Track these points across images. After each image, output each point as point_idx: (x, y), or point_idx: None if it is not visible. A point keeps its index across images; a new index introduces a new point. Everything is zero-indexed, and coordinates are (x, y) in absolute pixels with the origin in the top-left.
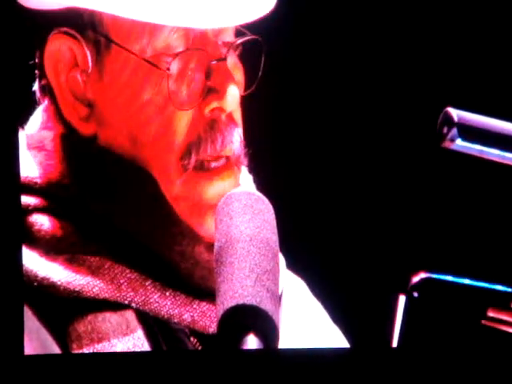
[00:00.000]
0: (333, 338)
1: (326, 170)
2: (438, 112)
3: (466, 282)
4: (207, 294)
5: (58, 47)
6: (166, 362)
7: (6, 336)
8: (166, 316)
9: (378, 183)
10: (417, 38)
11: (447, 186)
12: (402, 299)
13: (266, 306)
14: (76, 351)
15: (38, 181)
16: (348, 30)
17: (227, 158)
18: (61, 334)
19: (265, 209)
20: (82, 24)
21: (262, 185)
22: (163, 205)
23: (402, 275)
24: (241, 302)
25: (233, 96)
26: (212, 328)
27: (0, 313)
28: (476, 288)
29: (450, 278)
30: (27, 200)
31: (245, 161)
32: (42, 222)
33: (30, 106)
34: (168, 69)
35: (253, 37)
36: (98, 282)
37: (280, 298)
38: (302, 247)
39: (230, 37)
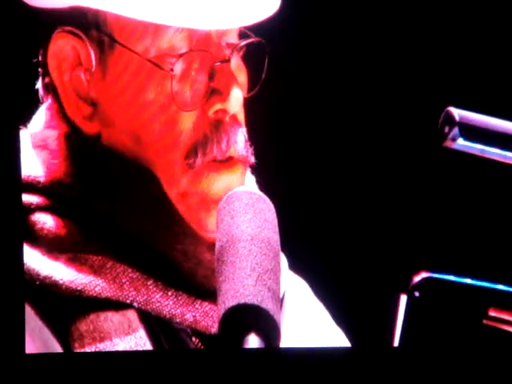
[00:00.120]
0: (335, 339)
1: (328, 170)
2: (439, 111)
3: (468, 281)
4: (210, 293)
5: (62, 46)
6: (166, 361)
7: (7, 335)
8: (167, 316)
9: (380, 183)
10: (419, 39)
11: (449, 185)
12: (403, 299)
13: (267, 305)
14: (78, 350)
15: (41, 179)
16: (350, 32)
17: (232, 158)
18: (63, 333)
19: (266, 208)
20: (86, 23)
21: (264, 185)
22: (166, 204)
23: (404, 275)
24: (242, 301)
25: (236, 98)
26: (214, 328)
27: (1, 311)
28: (477, 287)
29: (451, 277)
30: (30, 199)
31: (250, 161)
32: (44, 220)
33: (32, 104)
34: (172, 69)
35: (256, 39)
36: (100, 281)
37: (282, 299)
38: (303, 247)
39: (233, 38)
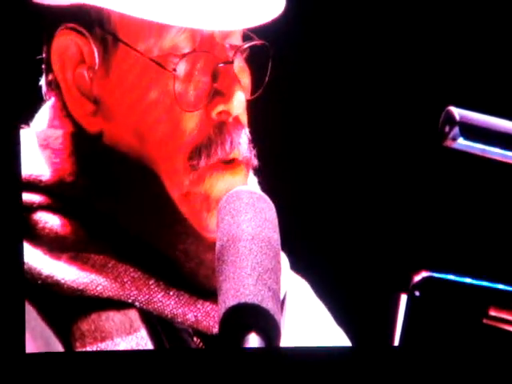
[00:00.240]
0: (336, 340)
1: (329, 170)
2: (439, 111)
3: (468, 280)
4: (211, 293)
5: (65, 43)
6: (166, 360)
7: (7, 334)
8: (169, 315)
9: (381, 183)
10: (419, 40)
11: (449, 185)
12: (403, 298)
13: (268, 304)
14: (79, 350)
15: (43, 178)
16: (353, 35)
17: (236, 159)
18: (64, 333)
19: (266, 207)
20: (90, 21)
21: (265, 185)
22: (168, 204)
23: (404, 274)
24: (242, 300)
25: (239, 100)
26: (215, 328)
27: (1, 311)
28: (477, 287)
29: (451, 276)
30: (32, 198)
31: (253, 163)
32: (46, 219)
33: (35, 102)
34: (174, 69)
35: (260, 41)
36: (101, 280)
37: (284, 299)
38: (303, 247)
39: (237, 40)
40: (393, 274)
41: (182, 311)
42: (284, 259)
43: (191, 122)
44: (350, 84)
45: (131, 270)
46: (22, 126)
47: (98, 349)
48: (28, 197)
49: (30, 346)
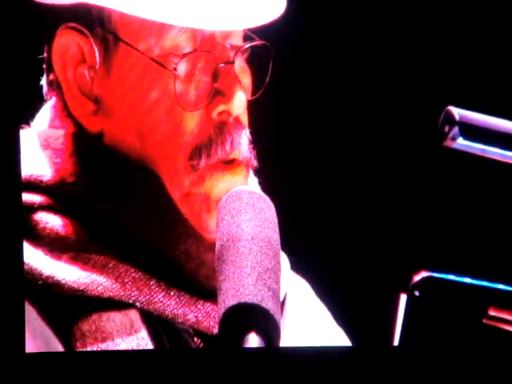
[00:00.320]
0: (337, 340)
1: (329, 170)
2: (439, 111)
3: (468, 280)
4: (212, 294)
5: (66, 43)
6: (168, 360)
7: (7, 334)
8: (170, 316)
9: (380, 183)
10: (420, 40)
11: (448, 184)
12: (403, 298)
13: (268, 304)
14: (80, 350)
15: (44, 179)
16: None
17: (236, 160)
18: (65, 333)
19: (266, 207)
20: (91, 20)
21: (265, 185)
22: (169, 204)
23: (404, 274)
24: (242, 300)
25: (239, 100)
26: (216, 329)
27: (1, 311)
28: (477, 287)
29: (451, 276)
30: (32, 198)
31: (253, 163)
32: (47, 220)
33: (35, 102)
34: (175, 69)
35: (261, 42)
36: (102, 280)
37: (284, 300)
38: (303, 247)
39: (238, 40)
40: (393, 273)
41: (183, 311)
42: (284, 259)
43: (192, 121)
44: (351, 84)
45: (132, 270)
46: (23, 125)
47: (99, 349)
48: (29, 197)
49: (30, 346)
